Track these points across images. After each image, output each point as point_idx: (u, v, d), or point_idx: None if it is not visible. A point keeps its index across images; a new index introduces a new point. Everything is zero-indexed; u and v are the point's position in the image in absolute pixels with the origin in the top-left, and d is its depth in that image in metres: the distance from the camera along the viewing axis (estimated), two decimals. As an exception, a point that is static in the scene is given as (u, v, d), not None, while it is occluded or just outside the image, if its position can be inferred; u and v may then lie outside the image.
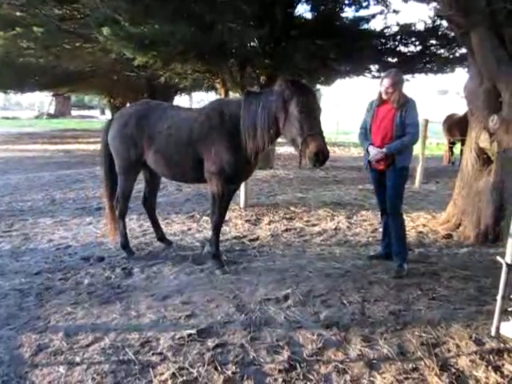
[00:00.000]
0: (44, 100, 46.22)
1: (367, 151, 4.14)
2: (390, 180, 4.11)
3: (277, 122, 3.71)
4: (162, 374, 2.58)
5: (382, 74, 4.08)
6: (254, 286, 3.80)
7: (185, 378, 2.54)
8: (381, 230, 4.80)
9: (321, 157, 3.52)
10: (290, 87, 3.57)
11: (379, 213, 4.67)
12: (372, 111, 4.18)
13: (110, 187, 4.63)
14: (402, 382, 2.52)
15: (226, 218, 5.07)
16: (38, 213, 6.34)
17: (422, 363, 2.70)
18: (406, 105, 3.98)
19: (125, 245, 4.61)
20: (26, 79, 18.38)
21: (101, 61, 14.15)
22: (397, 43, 10.45)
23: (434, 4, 5.93)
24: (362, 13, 10.07)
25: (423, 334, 3.01)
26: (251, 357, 2.75)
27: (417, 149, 4.30)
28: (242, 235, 5.35)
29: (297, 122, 3.55)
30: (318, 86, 18.10)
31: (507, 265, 2.87)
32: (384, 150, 3.98)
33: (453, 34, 7.51)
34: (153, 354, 2.77)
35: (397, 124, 3.98)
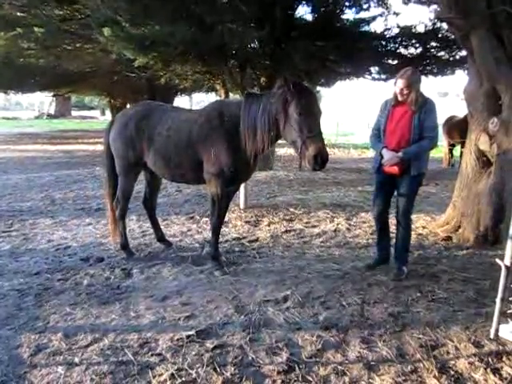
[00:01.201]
0: (44, 100, 46.25)
1: (380, 154, 3.90)
2: (403, 187, 3.92)
3: (277, 123, 3.71)
4: (160, 374, 2.58)
5: (400, 72, 3.78)
6: (254, 287, 3.81)
7: (184, 379, 2.54)
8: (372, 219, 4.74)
9: (320, 159, 3.50)
10: (291, 89, 3.55)
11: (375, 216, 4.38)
12: (387, 111, 3.93)
13: (113, 188, 4.63)
14: (401, 384, 2.52)
15: (226, 219, 5.07)
16: (37, 213, 6.34)
17: (421, 365, 2.69)
18: (424, 106, 3.75)
19: (124, 245, 4.62)
20: (27, 79, 18.42)
21: (101, 61, 14.18)
22: (397, 45, 10.47)
23: (434, 6, 5.95)
24: (363, 15, 10.07)
25: (422, 336, 3.01)
26: (250, 358, 2.75)
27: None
28: (242, 236, 5.35)
29: (296, 124, 3.54)
30: (318, 88, 18.14)
31: (506, 267, 2.87)
32: (400, 154, 3.74)
33: (453, 36, 7.51)
34: (152, 355, 2.77)
35: (415, 127, 3.75)
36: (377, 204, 4.19)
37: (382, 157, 3.88)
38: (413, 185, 3.92)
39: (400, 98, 3.78)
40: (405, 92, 3.72)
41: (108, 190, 4.70)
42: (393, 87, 3.87)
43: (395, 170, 3.83)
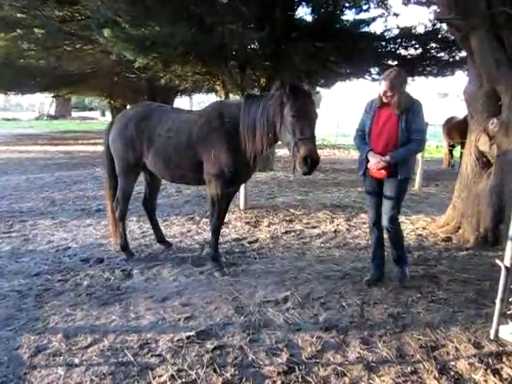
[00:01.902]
0: (44, 101, 46.29)
1: (366, 157, 3.73)
2: (389, 190, 3.73)
3: (275, 125, 3.71)
4: (160, 375, 2.58)
5: (384, 74, 3.66)
6: (253, 288, 3.81)
7: (183, 380, 2.54)
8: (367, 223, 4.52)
9: (310, 161, 3.45)
10: (287, 91, 3.54)
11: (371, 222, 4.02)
12: (372, 112, 3.74)
13: (113, 189, 4.63)
14: (401, 385, 2.52)
15: (226, 219, 5.06)
16: (37, 214, 6.34)
17: (421, 366, 2.70)
18: (411, 107, 3.57)
19: (124, 246, 4.62)
20: (27, 80, 18.40)
21: (101, 62, 14.20)
22: (397, 46, 10.48)
23: (434, 7, 5.95)
24: (363, 15, 10.16)
25: (422, 337, 3.01)
26: (250, 359, 2.75)
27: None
28: (242, 237, 5.35)
29: (290, 126, 3.52)
30: (318, 89, 18.13)
31: (506, 268, 2.87)
32: (388, 158, 3.56)
33: (453, 37, 7.52)
34: (152, 356, 2.77)
35: (402, 130, 3.56)
36: (371, 212, 3.96)
37: (367, 160, 3.72)
38: (400, 188, 3.72)
39: (385, 100, 3.61)
40: (388, 94, 3.56)
41: (108, 192, 4.70)
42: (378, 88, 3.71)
43: (382, 174, 3.66)
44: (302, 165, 3.49)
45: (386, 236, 4.08)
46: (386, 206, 3.79)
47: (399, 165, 3.63)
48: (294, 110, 3.49)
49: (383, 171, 3.64)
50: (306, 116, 3.54)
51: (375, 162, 3.62)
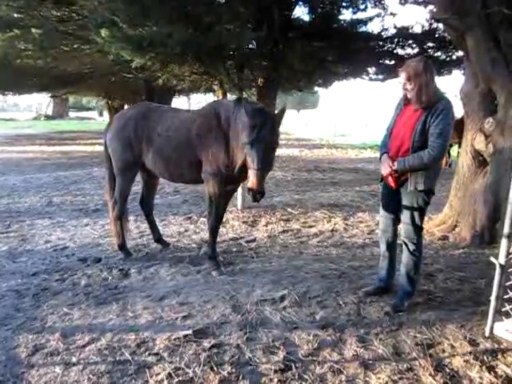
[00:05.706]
0: (42, 101, 46.29)
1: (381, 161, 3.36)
2: (404, 202, 3.31)
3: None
4: (157, 374, 2.59)
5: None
6: (251, 287, 3.82)
7: (181, 378, 2.55)
8: (377, 231, 4.74)
9: None
10: None
11: (377, 215, 3.80)
12: (398, 110, 3.34)
13: (114, 189, 4.61)
14: (397, 382, 2.54)
15: (223, 219, 5.07)
16: (35, 214, 6.34)
17: (417, 363, 2.71)
18: (435, 105, 3.06)
19: (122, 246, 4.62)
20: (24, 81, 18.37)
21: (99, 62, 14.18)
22: (394, 45, 10.52)
23: (431, 7, 5.97)
24: (360, 15, 10.19)
25: (418, 335, 3.03)
26: (247, 357, 2.76)
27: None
28: (239, 236, 5.36)
29: None
30: (316, 88, 18.16)
31: (500, 265, 2.89)
32: (395, 164, 3.17)
33: (449, 36, 7.55)
34: (149, 355, 2.78)
35: (416, 132, 3.09)
36: (381, 220, 3.62)
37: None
38: (413, 201, 3.24)
39: (408, 95, 3.15)
40: (408, 87, 3.09)
41: (109, 192, 4.69)
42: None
43: (390, 181, 3.31)
44: None
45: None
46: (403, 218, 3.38)
47: (410, 174, 3.18)
48: None
49: (391, 178, 3.27)
50: None
51: (383, 168, 3.30)
